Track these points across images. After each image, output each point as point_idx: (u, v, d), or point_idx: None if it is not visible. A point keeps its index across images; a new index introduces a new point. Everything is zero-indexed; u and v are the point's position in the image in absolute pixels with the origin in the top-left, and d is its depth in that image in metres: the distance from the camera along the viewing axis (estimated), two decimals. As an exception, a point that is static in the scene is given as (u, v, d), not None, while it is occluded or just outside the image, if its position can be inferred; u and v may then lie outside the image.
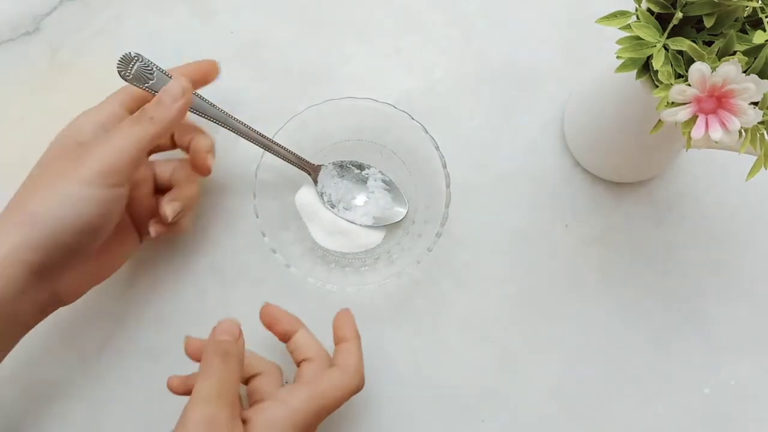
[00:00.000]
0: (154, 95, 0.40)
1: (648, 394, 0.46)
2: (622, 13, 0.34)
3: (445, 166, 0.43)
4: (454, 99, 0.50)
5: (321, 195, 0.46)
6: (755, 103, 0.31)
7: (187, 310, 0.46)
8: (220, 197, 0.48)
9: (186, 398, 0.36)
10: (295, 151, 0.44)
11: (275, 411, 0.36)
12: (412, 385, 0.46)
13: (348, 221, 0.46)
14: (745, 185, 0.36)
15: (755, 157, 0.33)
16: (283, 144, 0.44)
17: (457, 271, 0.47)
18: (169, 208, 0.41)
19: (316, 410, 0.37)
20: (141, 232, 0.43)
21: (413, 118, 0.44)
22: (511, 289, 0.47)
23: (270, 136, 0.43)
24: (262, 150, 0.43)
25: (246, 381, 0.41)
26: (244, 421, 0.36)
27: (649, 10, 0.33)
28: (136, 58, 0.40)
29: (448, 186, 0.43)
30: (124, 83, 0.41)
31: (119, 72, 0.40)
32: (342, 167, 0.46)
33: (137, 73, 0.40)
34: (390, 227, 0.47)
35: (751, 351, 0.46)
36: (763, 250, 0.48)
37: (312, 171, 0.46)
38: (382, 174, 0.47)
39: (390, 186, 0.47)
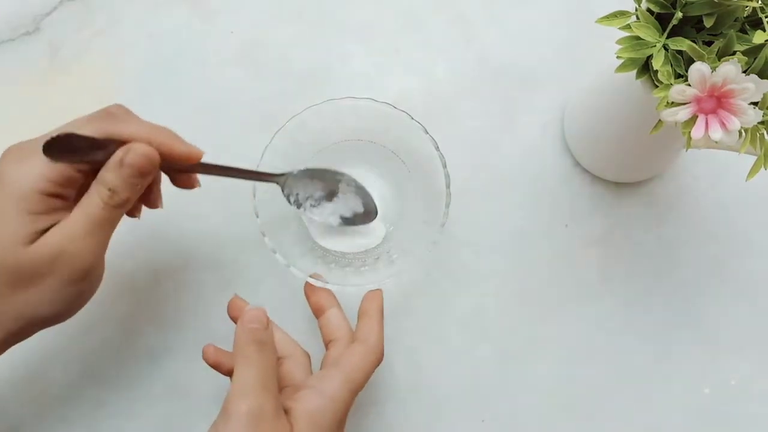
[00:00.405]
0: (93, 165, 0.35)
1: (648, 394, 0.46)
2: (622, 13, 0.34)
3: (445, 166, 0.43)
4: (454, 99, 0.50)
5: (288, 197, 0.43)
6: (755, 103, 0.31)
7: (187, 310, 0.46)
8: (220, 197, 0.48)
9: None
10: (286, 164, 0.43)
11: (314, 401, 0.36)
12: (413, 385, 0.46)
13: (317, 220, 0.45)
14: (745, 185, 0.36)
15: (755, 157, 0.33)
16: (269, 166, 0.42)
17: (457, 271, 0.47)
18: (160, 200, 0.40)
19: (351, 393, 0.37)
20: None
21: (413, 118, 0.44)
22: (511, 289, 0.47)
23: (221, 163, 0.39)
24: (262, 151, 0.43)
25: None
26: (285, 411, 0.35)
27: (649, 10, 0.33)
28: (63, 139, 0.33)
29: (448, 186, 0.43)
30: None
31: (47, 156, 0.33)
32: (314, 171, 0.44)
33: (66, 149, 0.34)
34: (390, 227, 0.47)
35: (751, 351, 0.46)
36: (763, 250, 0.48)
37: (278, 182, 0.43)
38: (356, 181, 0.45)
39: (361, 191, 0.46)
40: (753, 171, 0.33)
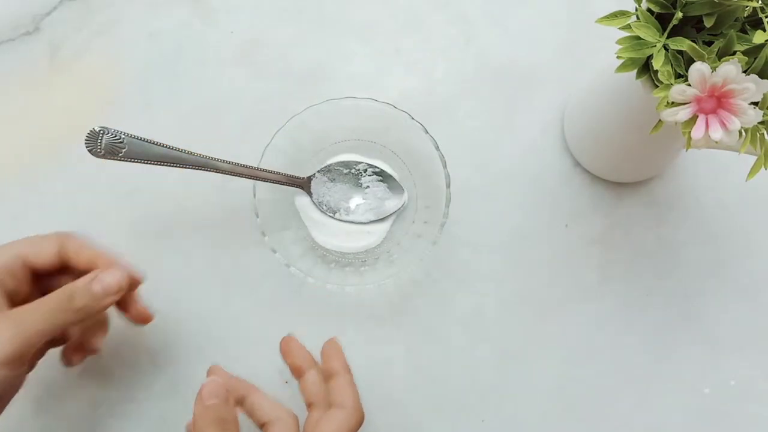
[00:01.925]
0: (129, 161, 0.39)
1: (648, 394, 0.46)
2: (622, 13, 0.34)
3: (445, 166, 0.43)
4: (454, 99, 0.50)
5: (319, 205, 0.46)
6: (755, 103, 0.31)
7: (188, 310, 0.46)
8: (220, 197, 0.48)
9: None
10: (286, 164, 0.44)
11: None
12: (413, 385, 0.46)
13: (353, 223, 0.46)
14: (745, 185, 0.36)
15: (755, 157, 0.33)
16: (269, 166, 0.43)
17: (457, 271, 0.47)
18: (101, 340, 0.40)
19: None
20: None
21: (413, 118, 0.44)
22: (511, 288, 0.47)
23: (253, 165, 0.43)
24: (262, 151, 0.43)
25: (260, 425, 0.38)
26: None
27: (649, 10, 0.33)
28: (101, 132, 0.39)
29: (448, 186, 0.43)
30: (93, 154, 0.39)
31: (89, 150, 0.38)
32: (330, 171, 0.46)
33: (107, 147, 0.39)
34: (391, 225, 0.47)
35: (751, 351, 0.46)
36: (763, 250, 0.48)
37: (304, 185, 0.45)
38: (371, 166, 0.46)
39: (383, 176, 0.47)
40: (753, 171, 0.33)
